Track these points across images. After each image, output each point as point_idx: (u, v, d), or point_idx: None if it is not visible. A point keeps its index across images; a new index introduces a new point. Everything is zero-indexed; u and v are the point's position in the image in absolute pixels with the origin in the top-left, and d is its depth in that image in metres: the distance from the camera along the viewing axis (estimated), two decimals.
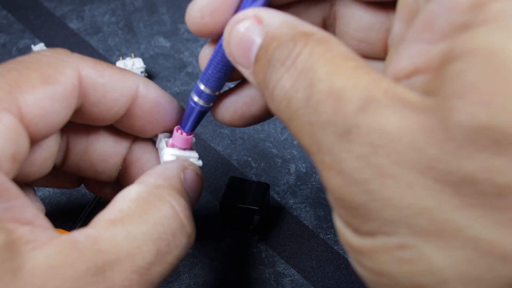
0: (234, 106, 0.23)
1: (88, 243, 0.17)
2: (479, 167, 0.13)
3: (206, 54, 0.23)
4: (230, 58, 0.19)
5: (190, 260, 0.33)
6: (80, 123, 0.24)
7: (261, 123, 0.41)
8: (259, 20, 0.18)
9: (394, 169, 0.14)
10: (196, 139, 0.40)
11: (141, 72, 0.43)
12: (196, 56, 0.46)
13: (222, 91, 0.24)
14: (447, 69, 0.13)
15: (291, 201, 0.36)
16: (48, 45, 0.45)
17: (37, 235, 0.17)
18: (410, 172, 0.14)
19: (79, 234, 0.18)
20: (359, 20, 0.21)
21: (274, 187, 0.37)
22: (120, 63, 0.43)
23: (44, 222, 0.18)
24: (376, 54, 0.22)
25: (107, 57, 0.46)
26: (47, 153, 0.23)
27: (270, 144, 0.39)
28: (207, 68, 0.23)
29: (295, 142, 0.39)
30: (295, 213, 0.35)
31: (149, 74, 0.44)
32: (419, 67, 0.15)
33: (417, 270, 0.14)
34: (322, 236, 0.34)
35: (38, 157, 0.22)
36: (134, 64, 0.42)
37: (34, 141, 0.21)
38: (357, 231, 0.16)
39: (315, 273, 0.32)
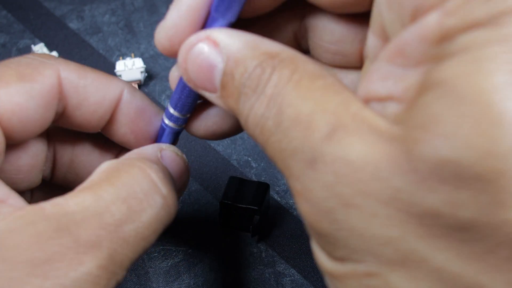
0: (205, 124, 0.23)
1: (54, 208, 0.17)
2: (442, 201, 0.13)
3: (175, 76, 0.22)
4: (191, 85, 0.19)
5: (190, 260, 0.33)
6: (65, 127, 0.24)
7: None
8: (214, 43, 0.17)
9: (357, 199, 0.14)
10: (196, 139, 0.40)
11: (141, 72, 0.43)
12: None
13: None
14: (417, 101, 0.13)
15: (291, 201, 0.36)
16: (48, 45, 0.45)
17: (2, 210, 0.17)
18: (373, 202, 0.14)
19: (46, 203, 0.18)
20: (331, 33, 0.21)
21: (274, 187, 0.37)
22: (120, 63, 0.43)
23: (17, 201, 0.18)
24: (352, 65, 0.21)
25: (107, 57, 0.46)
26: (34, 160, 0.23)
27: None
28: (175, 92, 0.22)
29: None
30: (295, 213, 0.35)
31: (149, 74, 0.44)
32: (393, 94, 0.15)
33: None
34: None
35: (24, 163, 0.22)
36: (134, 64, 0.42)
37: (12, 139, 0.21)
38: (329, 255, 0.16)
39: (315, 273, 0.32)
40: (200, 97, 0.22)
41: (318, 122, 0.15)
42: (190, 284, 0.32)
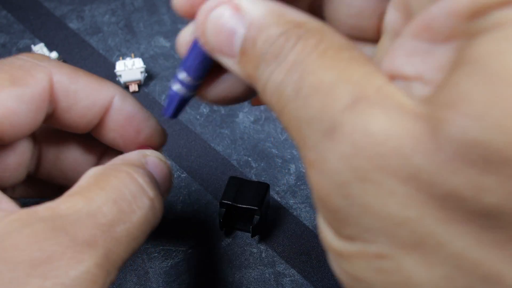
0: (217, 88, 0.22)
1: (47, 211, 0.17)
2: (466, 184, 0.12)
3: (185, 39, 0.20)
4: (207, 48, 0.18)
5: (190, 260, 0.33)
6: (54, 127, 0.24)
7: (261, 123, 0.41)
8: (236, 7, 0.16)
9: (375, 174, 0.13)
10: (196, 139, 0.40)
11: (141, 72, 0.43)
12: None
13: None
14: (448, 80, 0.13)
15: (291, 201, 0.36)
16: (48, 45, 0.45)
17: None
18: (392, 179, 0.13)
19: (39, 206, 0.18)
20: (348, 6, 0.20)
21: (274, 187, 0.37)
22: (120, 63, 0.43)
23: (9, 205, 0.19)
24: (369, 39, 0.20)
25: (107, 57, 0.46)
26: (20, 158, 0.23)
27: (270, 144, 0.39)
28: (188, 57, 0.20)
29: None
30: (295, 213, 0.35)
31: (149, 74, 0.44)
32: (422, 74, 0.14)
33: (394, 282, 0.14)
34: None
35: (11, 161, 0.23)
36: (134, 64, 0.42)
37: (1, 140, 0.21)
38: (337, 233, 0.15)
39: (315, 273, 0.32)
40: (214, 62, 0.20)
41: (340, 91, 0.14)
42: (190, 284, 0.32)
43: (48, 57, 0.23)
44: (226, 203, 0.32)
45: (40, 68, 0.21)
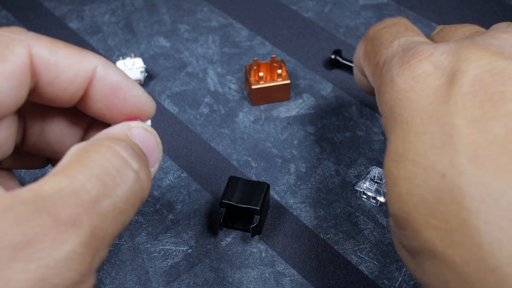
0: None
1: (30, 193, 0.17)
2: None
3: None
4: None
5: (190, 260, 0.33)
6: (37, 102, 0.24)
7: (261, 123, 0.41)
8: None
9: None
10: (196, 139, 0.40)
11: (141, 72, 0.43)
12: (196, 56, 0.46)
13: None
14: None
15: (291, 201, 0.36)
16: None
17: None
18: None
19: (21, 189, 0.17)
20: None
21: (274, 187, 0.37)
22: (120, 63, 0.43)
23: None
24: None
25: (107, 57, 0.46)
26: (7, 133, 0.23)
27: (270, 144, 0.39)
28: None
29: (295, 142, 0.39)
30: (295, 213, 0.35)
31: (149, 74, 0.44)
32: None
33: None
34: (322, 236, 0.34)
35: None
36: (134, 64, 0.42)
37: None
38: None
39: (315, 273, 0.32)
40: None
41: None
42: (190, 284, 0.32)
43: (25, 30, 0.22)
44: (226, 203, 0.32)
45: (18, 42, 0.21)
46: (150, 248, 0.34)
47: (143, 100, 0.25)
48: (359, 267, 0.32)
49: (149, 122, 0.25)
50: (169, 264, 0.33)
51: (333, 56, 0.44)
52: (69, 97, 0.23)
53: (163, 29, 0.48)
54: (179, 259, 0.33)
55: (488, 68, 0.19)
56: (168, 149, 0.39)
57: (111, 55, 0.46)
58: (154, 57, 0.46)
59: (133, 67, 0.42)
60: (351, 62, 0.44)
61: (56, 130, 0.25)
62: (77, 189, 0.18)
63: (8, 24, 0.49)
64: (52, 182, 0.18)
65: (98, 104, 0.24)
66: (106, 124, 0.26)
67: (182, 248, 0.34)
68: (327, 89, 0.43)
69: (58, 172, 0.18)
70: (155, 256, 0.33)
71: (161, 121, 0.41)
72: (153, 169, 0.23)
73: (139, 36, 0.48)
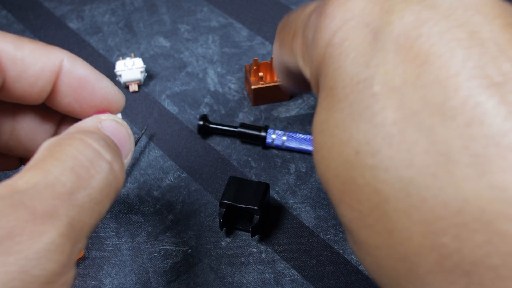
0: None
1: (5, 189, 0.17)
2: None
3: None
4: None
5: (190, 260, 0.33)
6: (6, 101, 0.24)
7: (261, 123, 0.41)
8: None
9: None
10: (196, 139, 0.40)
11: (141, 72, 0.43)
12: (196, 56, 0.46)
13: None
14: None
15: (291, 201, 0.36)
16: None
17: None
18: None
19: None
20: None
21: (274, 187, 0.37)
22: (120, 63, 0.43)
23: None
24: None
25: (107, 57, 0.46)
26: None
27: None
28: None
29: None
30: (295, 213, 0.35)
31: (149, 74, 0.44)
32: None
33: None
34: (322, 236, 0.34)
35: None
36: (134, 64, 0.42)
37: None
38: None
39: (315, 273, 0.32)
40: None
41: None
42: (190, 284, 0.32)
43: None
44: (226, 203, 0.32)
45: None
46: (150, 248, 0.34)
47: (112, 92, 0.25)
48: (359, 267, 0.32)
49: (119, 115, 0.26)
50: (169, 264, 0.33)
51: (201, 123, 0.39)
52: (37, 92, 0.23)
53: (163, 29, 0.48)
54: (179, 259, 0.33)
55: (413, 19, 0.16)
56: (168, 149, 0.39)
57: (111, 55, 0.46)
58: (154, 57, 0.46)
59: (133, 67, 0.42)
60: (221, 125, 0.39)
61: (27, 129, 0.25)
62: (52, 182, 0.18)
63: (8, 24, 0.49)
64: (26, 177, 0.18)
65: (67, 98, 0.24)
66: (76, 120, 0.26)
67: (182, 248, 0.34)
68: None
69: (31, 167, 0.18)
70: (155, 256, 0.33)
71: (161, 121, 0.41)
72: (126, 160, 0.23)
73: (139, 36, 0.48)
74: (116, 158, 0.21)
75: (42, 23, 0.49)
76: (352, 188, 0.17)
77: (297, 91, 0.30)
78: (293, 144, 0.38)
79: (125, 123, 0.24)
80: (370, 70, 0.16)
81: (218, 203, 0.33)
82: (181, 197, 0.36)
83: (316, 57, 0.19)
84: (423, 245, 0.15)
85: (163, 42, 0.47)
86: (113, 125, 0.23)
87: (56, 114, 0.26)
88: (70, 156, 0.19)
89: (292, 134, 0.38)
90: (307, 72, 0.21)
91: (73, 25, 0.49)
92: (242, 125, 0.39)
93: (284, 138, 0.38)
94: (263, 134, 0.38)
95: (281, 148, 0.38)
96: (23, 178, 0.18)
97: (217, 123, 0.39)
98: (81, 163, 0.19)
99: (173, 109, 0.42)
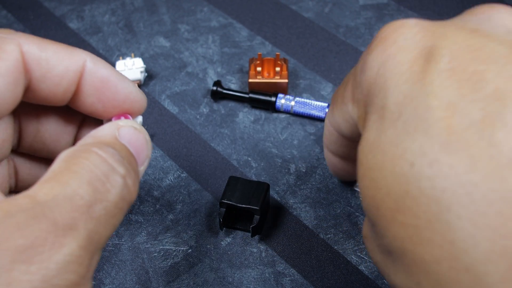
0: None
1: (26, 200, 0.18)
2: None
3: None
4: None
5: (190, 260, 0.33)
6: (32, 102, 0.24)
7: (261, 123, 0.41)
8: None
9: None
10: (196, 139, 0.40)
11: (141, 72, 0.43)
12: (196, 56, 0.46)
13: None
14: None
15: (291, 201, 0.36)
16: None
17: None
18: None
19: (17, 196, 0.18)
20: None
21: (274, 187, 0.37)
22: (120, 63, 0.43)
23: None
24: None
25: (107, 57, 0.46)
26: (4, 135, 0.23)
27: (270, 144, 0.39)
28: None
29: (295, 142, 0.39)
30: (295, 213, 0.35)
31: (149, 74, 0.44)
32: None
33: None
34: (322, 236, 0.34)
35: None
36: (134, 64, 0.42)
37: None
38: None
39: (315, 273, 0.32)
40: None
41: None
42: (190, 284, 0.32)
43: (12, 30, 0.23)
44: (226, 203, 0.32)
45: (8, 41, 0.22)
46: (150, 248, 0.34)
47: (134, 92, 0.25)
48: (359, 267, 0.32)
49: (140, 119, 0.26)
50: (169, 264, 0.33)
51: (214, 88, 0.42)
52: (62, 93, 0.23)
53: (163, 29, 0.48)
54: (179, 259, 0.33)
55: (466, 45, 0.17)
56: (168, 149, 0.39)
57: (111, 55, 0.46)
58: (154, 57, 0.46)
59: (133, 67, 0.42)
60: (234, 91, 0.42)
61: (51, 130, 0.26)
62: (70, 195, 0.18)
63: (8, 24, 0.49)
64: (45, 188, 0.18)
65: (90, 98, 0.24)
66: (97, 121, 0.26)
67: (182, 248, 0.34)
68: (327, 89, 0.43)
69: (50, 179, 0.19)
70: (155, 256, 0.33)
71: (161, 121, 0.41)
72: (143, 167, 0.23)
73: (139, 36, 0.48)
74: (130, 173, 0.21)
75: (42, 23, 0.49)
76: (406, 203, 0.17)
77: (345, 176, 0.31)
78: (302, 109, 0.40)
79: (143, 129, 0.24)
80: (425, 88, 0.17)
81: (218, 203, 0.33)
82: (181, 197, 0.36)
83: (367, 81, 0.20)
84: (492, 251, 0.15)
85: (163, 42, 0.47)
86: (131, 132, 0.23)
87: (77, 116, 0.26)
88: (87, 170, 0.19)
89: (301, 100, 0.41)
90: (355, 112, 0.22)
91: (73, 25, 0.49)
92: (253, 92, 0.41)
93: (293, 103, 0.40)
94: (273, 99, 0.41)
95: (289, 112, 0.41)
96: (43, 189, 0.18)
97: (229, 89, 0.42)
98: (98, 177, 0.19)
99: (173, 109, 0.42)
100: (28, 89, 0.23)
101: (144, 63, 0.44)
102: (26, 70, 0.22)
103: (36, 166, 0.27)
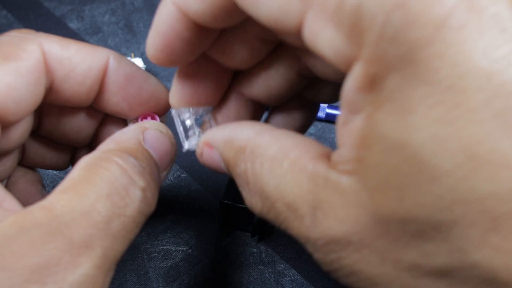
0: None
1: (43, 212, 0.17)
2: (417, 253, 0.14)
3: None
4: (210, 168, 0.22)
5: (190, 260, 0.33)
6: (55, 104, 0.23)
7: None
8: (210, 147, 0.21)
9: (358, 266, 0.15)
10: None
11: None
12: None
13: None
14: (365, 158, 0.14)
15: None
16: None
17: None
18: (372, 267, 0.15)
19: (34, 207, 0.17)
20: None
21: None
22: None
23: (12, 204, 0.18)
24: None
25: None
26: (21, 131, 0.22)
27: None
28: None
29: None
30: None
31: None
32: (344, 142, 0.16)
33: None
34: None
35: (12, 136, 0.22)
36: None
37: (7, 121, 0.20)
38: None
39: (315, 273, 0.32)
40: None
41: (301, 207, 0.16)
42: (190, 284, 0.32)
43: (33, 31, 0.22)
44: (226, 203, 0.32)
45: (29, 40, 0.21)
46: (150, 248, 0.34)
47: (159, 90, 0.24)
48: None
49: (164, 128, 0.24)
50: (169, 264, 0.33)
51: None
52: (86, 92, 0.23)
53: None
54: (179, 259, 0.33)
55: None
56: None
57: None
58: None
59: None
60: None
61: (72, 125, 0.25)
62: (88, 209, 0.18)
63: (8, 24, 0.49)
64: (63, 200, 0.18)
65: (115, 97, 0.23)
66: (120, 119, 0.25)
67: (182, 248, 0.34)
68: None
69: (68, 189, 0.18)
70: (155, 256, 0.33)
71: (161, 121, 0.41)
72: (165, 173, 0.23)
73: (139, 36, 0.48)
74: (150, 185, 0.20)
75: (42, 23, 0.49)
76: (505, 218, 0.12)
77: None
78: None
79: (169, 132, 0.23)
80: None
81: (218, 203, 0.33)
82: (181, 197, 0.36)
83: (410, 40, 0.13)
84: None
85: None
86: (156, 136, 0.22)
87: (99, 113, 0.25)
88: (106, 182, 0.19)
89: None
90: (333, 40, 0.14)
91: (73, 25, 0.49)
92: None
93: None
94: None
95: None
96: (60, 201, 0.18)
97: None
98: (117, 191, 0.19)
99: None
100: (50, 90, 0.22)
101: (144, 63, 0.44)
102: (48, 70, 0.21)
103: (44, 148, 0.26)
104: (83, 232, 0.17)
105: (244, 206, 0.32)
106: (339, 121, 0.16)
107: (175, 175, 0.38)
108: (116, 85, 0.23)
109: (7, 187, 0.25)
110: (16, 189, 0.25)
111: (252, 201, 0.19)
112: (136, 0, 0.51)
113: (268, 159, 0.17)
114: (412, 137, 0.13)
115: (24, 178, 0.26)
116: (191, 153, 0.39)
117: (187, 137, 0.24)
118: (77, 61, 0.22)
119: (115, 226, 0.18)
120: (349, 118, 0.15)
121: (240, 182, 0.20)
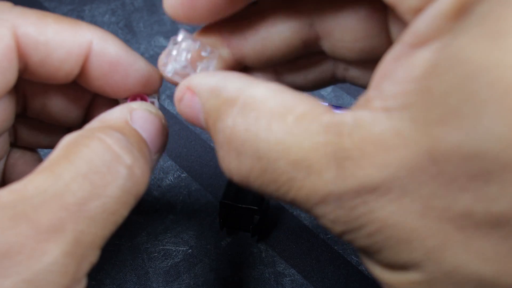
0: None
1: (11, 195, 0.16)
2: (474, 198, 0.12)
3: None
4: (186, 120, 0.20)
5: (190, 260, 0.33)
6: (33, 80, 0.22)
7: None
8: (192, 93, 0.19)
9: (394, 218, 0.13)
10: (196, 139, 0.40)
11: None
12: None
13: None
14: (432, 87, 0.13)
15: None
16: None
17: None
18: (410, 218, 0.13)
19: (3, 190, 0.16)
20: (353, 32, 0.19)
21: None
22: None
23: None
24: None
25: None
26: (3, 115, 0.21)
27: None
28: None
29: None
30: (295, 213, 0.35)
31: None
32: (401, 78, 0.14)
33: None
34: (322, 236, 0.34)
35: None
36: None
37: None
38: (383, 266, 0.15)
39: (315, 273, 0.32)
40: None
41: (316, 162, 0.14)
42: (190, 284, 0.32)
43: (11, 5, 0.21)
44: (226, 203, 0.32)
45: (1, 23, 0.19)
46: (150, 248, 0.34)
47: (147, 74, 0.22)
48: (359, 267, 0.32)
49: (156, 104, 0.23)
50: (169, 264, 0.33)
51: None
52: (64, 76, 0.21)
53: (163, 29, 0.48)
54: (179, 259, 0.33)
55: None
56: (168, 149, 0.39)
57: None
58: (154, 57, 0.46)
59: None
60: None
61: (59, 104, 0.24)
62: (61, 190, 0.16)
63: None
64: (36, 181, 0.16)
65: (98, 81, 0.22)
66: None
67: (182, 248, 0.34)
68: (327, 89, 0.43)
69: (44, 169, 0.17)
70: (155, 256, 0.33)
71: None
72: (157, 155, 0.21)
73: (139, 36, 0.48)
74: (138, 161, 0.18)
75: None
76: None
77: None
78: None
79: (159, 113, 0.22)
80: None
81: (218, 203, 0.33)
82: (181, 197, 0.36)
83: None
84: None
85: (163, 42, 0.47)
86: (145, 116, 0.21)
87: (87, 93, 0.24)
88: (85, 160, 0.17)
89: None
90: None
91: None
92: None
93: None
94: None
95: None
96: (33, 182, 0.16)
97: None
98: (97, 169, 0.17)
99: (173, 109, 0.42)
100: (25, 71, 0.21)
101: None
102: (21, 55, 0.20)
103: (36, 129, 0.25)
104: (52, 216, 0.15)
105: (244, 206, 0.32)
106: (388, 57, 0.14)
107: (175, 175, 0.38)
108: (98, 70, 0.21)
109: (5, 169, 0.24)
110: (15, 171, 0.24)
111: (233, 163, 0.17)
112: (136, 0, 0.51)
113: (266, 114, 0.15)
114: (503, 59, 0.11)
115: (22, 160, 0.25)
116: (191, 153, 0.39)
117: (176, 60, 0.21)
118: (55, 46, 0.20)
119: (93, 207, 0.16)
120: (409, 51, 0.14)
121: (218, 139, 0.18)
